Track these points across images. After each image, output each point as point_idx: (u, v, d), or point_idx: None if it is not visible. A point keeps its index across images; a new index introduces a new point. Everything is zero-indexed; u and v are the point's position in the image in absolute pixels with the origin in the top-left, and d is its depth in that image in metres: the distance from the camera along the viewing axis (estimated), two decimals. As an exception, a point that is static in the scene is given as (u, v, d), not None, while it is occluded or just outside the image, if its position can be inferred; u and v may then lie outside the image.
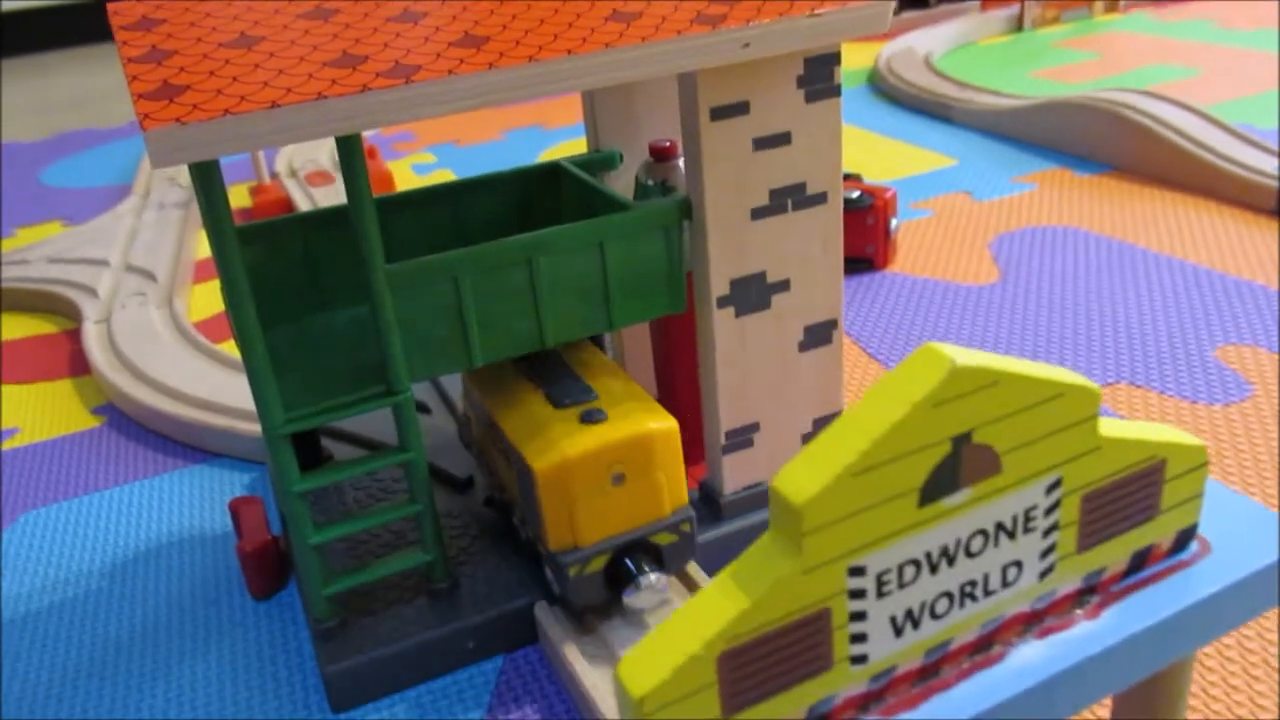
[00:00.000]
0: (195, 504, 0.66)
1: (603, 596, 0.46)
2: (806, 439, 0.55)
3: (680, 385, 0.57)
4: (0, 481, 0.71)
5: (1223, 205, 0.95)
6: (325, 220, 0.54)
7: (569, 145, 1.38)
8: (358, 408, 0.46)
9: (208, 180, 0.39)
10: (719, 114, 0.47)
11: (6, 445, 0.76)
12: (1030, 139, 1.19)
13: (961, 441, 0.22)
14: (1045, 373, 0.23)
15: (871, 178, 1.12)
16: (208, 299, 0.99)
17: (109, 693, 0.51)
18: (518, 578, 0.51)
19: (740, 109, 0.47)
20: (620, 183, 0.59)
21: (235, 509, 0.58)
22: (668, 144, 0.54)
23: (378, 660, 0.48)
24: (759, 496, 0.55)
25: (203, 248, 1.12)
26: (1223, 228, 0.91)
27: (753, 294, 0.51)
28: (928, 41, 1.65)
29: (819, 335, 0.53)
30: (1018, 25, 1.78)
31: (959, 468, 0.22)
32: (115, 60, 2.68)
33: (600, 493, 0.45)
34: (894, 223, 0.89)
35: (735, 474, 0.54)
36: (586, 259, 0.48)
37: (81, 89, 2.35)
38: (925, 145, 1.22)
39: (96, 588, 0.59)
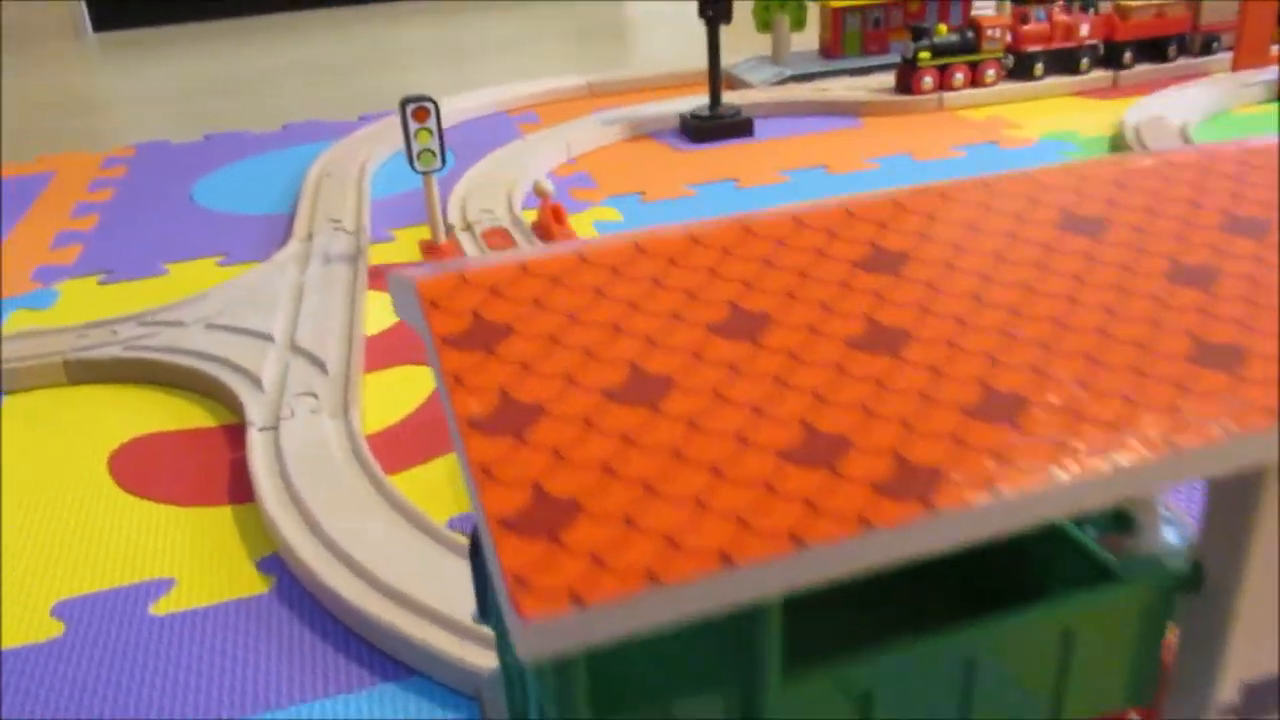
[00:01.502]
0: (389, 757, 0.53)
1: None
2: None
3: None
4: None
5: None
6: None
7: (772, 213, 1.22)
8: None
9: (568, 675, 0.24)
10: (1291, 473, 0.31)
11: (160, 609, 0.64)
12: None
13: None
14: None
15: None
16: (379, 398, 0.86)
17: None
18: None
19: (1320, 465, 0.31)
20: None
21: (458, 828, 0.45)
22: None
23: None
24: None
25: (372, 320, 0.99)
26: None
27: (1266, 701, 0.35)
28: (1177, 108, 1.44)
29: (1330, 743, 0.37)
30: (1277, 93, 1.55)
31: None
32: (262, 40, 2.61)
33: None
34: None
35: None
36: (1043, 652, 0.33)
37: (226, 71, 2.27)
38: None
39: None
